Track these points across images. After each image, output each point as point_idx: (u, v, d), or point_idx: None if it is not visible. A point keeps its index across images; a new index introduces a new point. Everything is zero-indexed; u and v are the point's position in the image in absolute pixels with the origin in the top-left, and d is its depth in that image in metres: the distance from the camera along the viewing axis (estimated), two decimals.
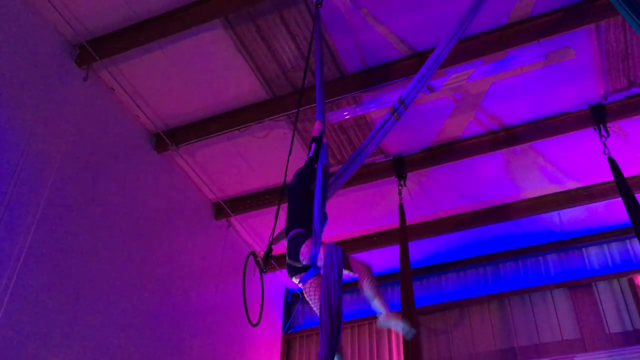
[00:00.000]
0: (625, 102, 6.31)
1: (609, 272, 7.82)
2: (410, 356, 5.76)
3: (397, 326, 3.72)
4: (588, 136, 6.56)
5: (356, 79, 6.27)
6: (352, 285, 9.03)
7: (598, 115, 6.30)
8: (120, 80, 6.28)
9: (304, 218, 4.05)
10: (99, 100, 6.20)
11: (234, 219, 8.03)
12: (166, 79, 6.36)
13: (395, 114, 5.34)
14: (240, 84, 6.42)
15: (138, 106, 6.51)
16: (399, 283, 6.56)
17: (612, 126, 6.40)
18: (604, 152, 6.07)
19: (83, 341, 5.37)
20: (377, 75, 6.18)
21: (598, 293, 7.83)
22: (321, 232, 3.92)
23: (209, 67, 6.27)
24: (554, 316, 7.91)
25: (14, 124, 5.13)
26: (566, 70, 6.11)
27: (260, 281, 4.78)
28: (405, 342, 5.90)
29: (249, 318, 4.55)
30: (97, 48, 5.89)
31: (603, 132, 6.21)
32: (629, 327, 7.41)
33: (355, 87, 6.27)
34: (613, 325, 7.52)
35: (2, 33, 5.19)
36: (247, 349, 8.08)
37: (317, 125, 4.64)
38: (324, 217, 4.17)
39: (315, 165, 4.34)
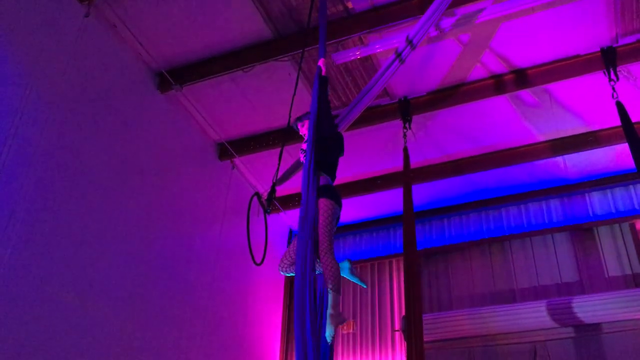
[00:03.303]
0: (637, 45, 6.17)
1: (611, 217, 7.84)
2: (410, 297, 5.87)
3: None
4: (597, 80, 6.46)
5: (363, 18, 6.13)
6: (354, 228, 9.29)
7: (608, 58, 6.17)
8: (122, 17, 6.14)
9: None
10: (100, 37, 6.08)
11: (238, 160, 8.04)
12: (169, 17, 6.22)
13: (399, 58, 5.25)
14: (245, 22, 6.28)
15: (141, 44, 6.40)
16: (402, 226, 6.64)
17: (622, 70, 6.29)
18: (613, 96, 5.98)
19: (89, 281, 5.45)
20: (384, 14, 6.04)
21: (599, 237, 7.90)
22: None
23: (212, 4, 6.12)
24: (554, 259, 8.02)
25: (15, 61, 5.06)
26: (578, 11, 5.95)
27: (264, 221, 4.84)
28: (406, 283, 6.00)
29: (253, 258, 4.61)
30: None
31: (612, 76, 6.10)
32: (628, 271, 7.51)
33: (361, 27, 6.13)
34: (612, 269, 7.63)
35: None
36: (251, 289, 8.25)
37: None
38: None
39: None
